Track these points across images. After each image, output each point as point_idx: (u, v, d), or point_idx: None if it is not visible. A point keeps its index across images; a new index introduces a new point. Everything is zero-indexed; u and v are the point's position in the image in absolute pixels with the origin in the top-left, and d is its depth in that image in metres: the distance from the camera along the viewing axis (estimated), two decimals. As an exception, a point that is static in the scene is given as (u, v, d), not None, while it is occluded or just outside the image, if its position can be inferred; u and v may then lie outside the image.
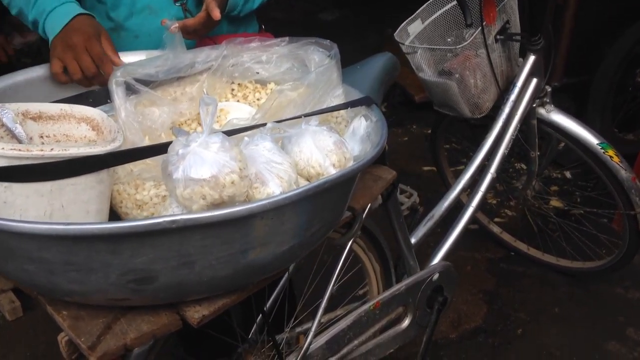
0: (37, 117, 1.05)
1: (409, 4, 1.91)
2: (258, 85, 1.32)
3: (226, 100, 1.30)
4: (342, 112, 1.26)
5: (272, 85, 1.32)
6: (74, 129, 1.07)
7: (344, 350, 1.46)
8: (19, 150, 0.85)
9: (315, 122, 1.10)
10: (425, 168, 3.05)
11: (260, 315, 1.52)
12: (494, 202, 2.76)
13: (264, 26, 1.60)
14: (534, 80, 1.88)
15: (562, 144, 2.06)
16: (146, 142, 1.11)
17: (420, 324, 1.64)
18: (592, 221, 2.34)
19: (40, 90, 1.20)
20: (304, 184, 1.02)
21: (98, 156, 0.91)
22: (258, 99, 1.30)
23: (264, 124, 1.06)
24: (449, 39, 1.86)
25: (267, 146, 1.00)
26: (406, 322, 1.62)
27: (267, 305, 1.53)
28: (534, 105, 1.94)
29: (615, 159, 1.90)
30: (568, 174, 2.90)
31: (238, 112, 1.25)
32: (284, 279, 1.56)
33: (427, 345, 1.66)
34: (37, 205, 0.87)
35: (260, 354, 1.46)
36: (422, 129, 3.43)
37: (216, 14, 1.24)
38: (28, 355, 2.09)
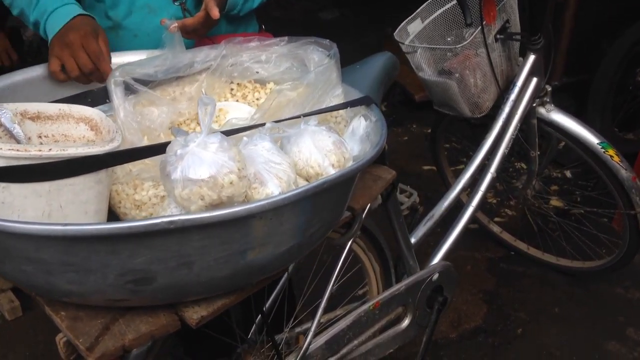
0: (36, 117, 1.04)
1: (409, 4, 1.91)
2: (257, 85, 1.32)
3: (225, 100, 1.30)
4: (341, 111, 1.26)
5: (271, 85, 1.31)
6: (73, 129, 1.07)
7: (344, 351, 1.46)
8: (17, 150, 0.85)
9: (314, 122, 1.10)
10: (425, 167, 3.05)
11: (260, 315, 1.51)
12: (494, 201, 2.76)
13: (264, 26, 1.60)
14: (534, 80, 1.88)
15: (562, 144, 2.06)
16: (145, 142, 1.11)
17: (420, 324, 1.64)
18: (592, 221, 2.34)
19: (39, 90, 1.20)
20: (303, 184, 1.01)
21: (96, 156, 0.91)
22: (257, 99, 1.30)
23: (263, 124, 1.06)
24: (448, 39, 1.86)
25: (266, 146, 1.00)
26: (406, 322, 1.61)
27: (267, 305, 1.53)
28: (534, 104, 1.94)
29: (616, 158, 1.90)
30: (568, 174, 2.90)
31: (237, 111, 1.25)
32: (283, 278, 1.55)
33: (427, 345, 1.66)
34: (35, 205, 0.87)
35: (260, 354, 1.46)
36: (422, 128, 3.43)
37: (215, 12, 1.23)
38: (27, 355, 2.08)
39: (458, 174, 1.92)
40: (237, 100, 1.30)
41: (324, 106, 1.20)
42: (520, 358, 2.03)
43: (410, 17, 1.82)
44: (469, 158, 1.89)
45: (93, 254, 0.81)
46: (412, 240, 1.70)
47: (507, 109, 1.86)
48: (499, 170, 1.88)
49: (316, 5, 5.19)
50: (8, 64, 2.45)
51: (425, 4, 1.84)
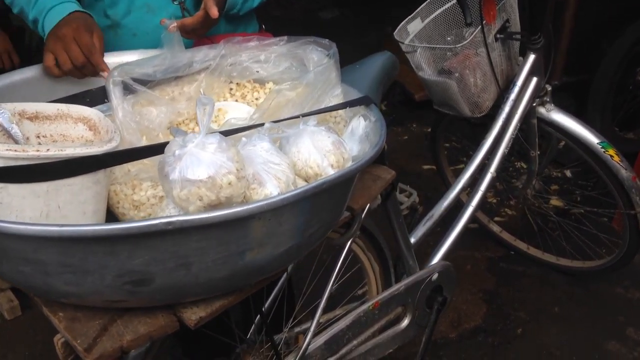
0: (34, 117, 1.04)
1: (409, 3, 1.91)
2: (256, 85, 1.32)
3: (224, 100, 1.30)
4: (340, 111, 1.26)
5: (270, 85, 1.31)
6: (71, 129, 1.06)
7: (343, 351, 1.46)
8: (15, 150, 0.84)
9: (313, 122, 1.09)
10: (425, 167, 3.05)
11: (259, 315, 1.51)
12: (494, 201, 2.75)
13: (264, 26, 1.59)
14: (534, 79, 1.88)
15: (562, 143, 2.06)
16: (144, 142, 1.10)
17: (419, 323, 1.64)
18: (592, 220, 2.34)
19: (37, 90, 1.20)
20: (302, 185, 1.01)
21: (95, 156, 0.90)
22: (256, 99, 1.30)
23: (262, 124, 1.06)
24: (448, 38, 1.86)
25: (264, 146, 0.99)
26: (405, 322, 1.61)
27: (266, 305, 1.53)
28: (534, 104, 1.93)
29: (616, 158, 1.90)
30: (568, 173, 2.89)
31: (236, 111, 1.25)
32: (282, 278, 1.55)
33: (427, 345, 1.65)
34: (33, 206, 0.87)
35: (259, 354, 1.45)
36: (422, 128, 3.43)
37: (214, 12, 1.23)
38: (27, 355, 2.08)
39: (458, 174, 1.92)
40: (236, 100, 1.30)
41: (323, 106, 1.19)
42: (520, 358, 2.03)
43: (410, 17, 1.82)
44: (469, 157, 1.89)
45: (91, 255, 0.81)
46: (412, 240, 1.70)
47: (507, 109, 1.86)
48: (499, 169, 1.88)
49: (316, 4, 5.18)
50: (9, 67, 2.40)
51: (425, 3, 1.84)
